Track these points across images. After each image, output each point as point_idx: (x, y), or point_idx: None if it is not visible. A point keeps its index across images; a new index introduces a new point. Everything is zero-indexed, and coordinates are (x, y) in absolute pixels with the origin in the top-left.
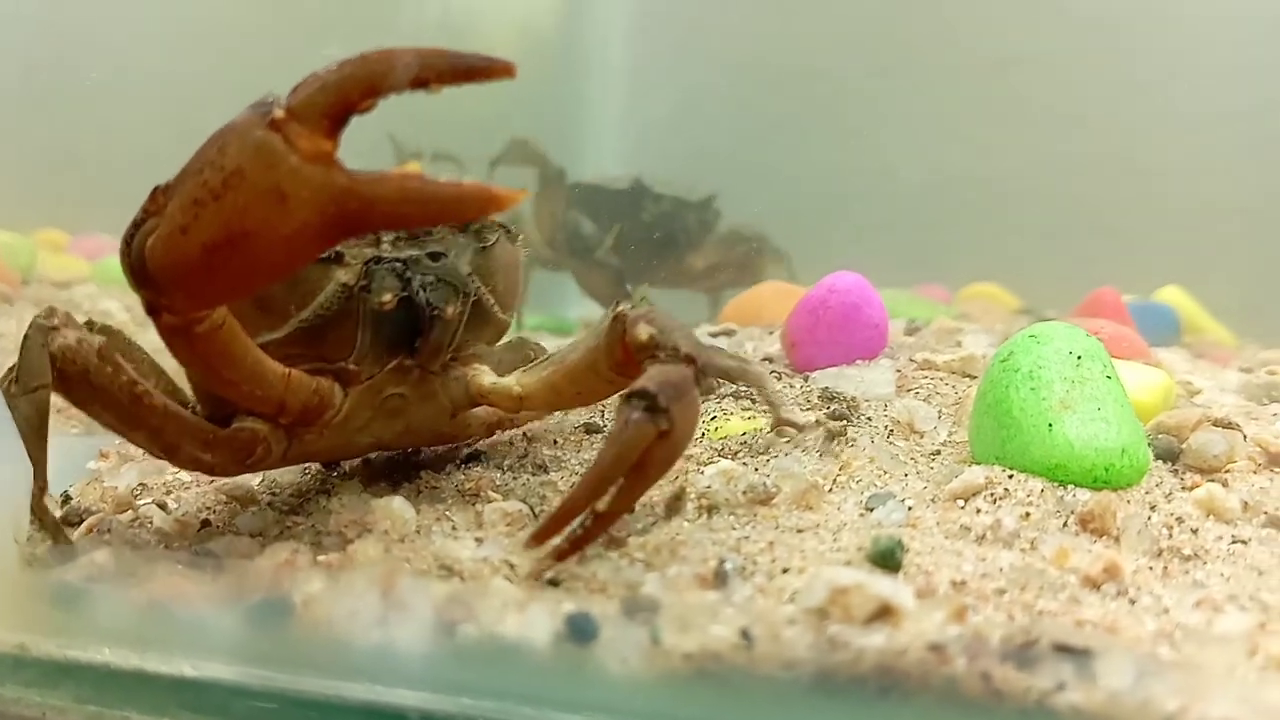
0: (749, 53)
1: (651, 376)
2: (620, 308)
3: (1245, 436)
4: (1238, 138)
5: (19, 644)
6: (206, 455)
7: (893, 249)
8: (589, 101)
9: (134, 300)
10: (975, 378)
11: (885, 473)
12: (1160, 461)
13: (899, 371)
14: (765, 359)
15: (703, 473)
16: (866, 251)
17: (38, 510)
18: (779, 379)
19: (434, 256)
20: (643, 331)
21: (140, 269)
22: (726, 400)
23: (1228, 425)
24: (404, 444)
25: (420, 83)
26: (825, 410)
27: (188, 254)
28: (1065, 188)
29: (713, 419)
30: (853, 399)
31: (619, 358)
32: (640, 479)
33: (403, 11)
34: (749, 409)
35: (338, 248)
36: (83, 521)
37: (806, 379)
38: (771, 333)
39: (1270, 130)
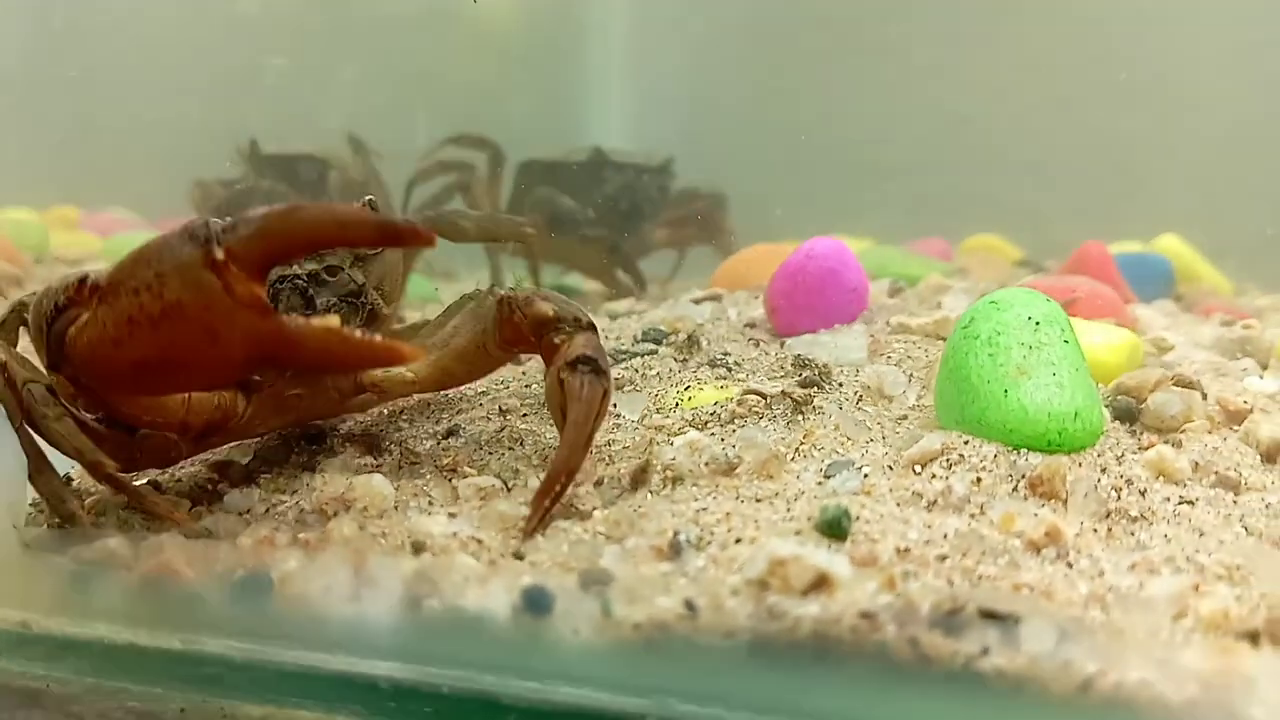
0: (746, 4)
1: (583, 345)
2: (501, 291)
3: (1205, 395)
4: (1245, 73)
5: (21, 621)
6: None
7: (895, 203)
8: (589, 69)
9: None
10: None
11: (849, 440)
12: (1118, 423)
13: (873, 336)
14: (748, 324)
15: (671, 444)
16: (869, 206)
17: (50, 492)
18: (755, 346)
19: (330, 271)
20: (545, 308)
21: (59, 354)
22: (703, 369)
23: (1188, 385)
24: (295, 425)
25: (350, 243)
26: (796, 378)
27: (116, 364)
28: (1068, 131)
29: (686, 389)
30: (825, 366)
31: (508, 336)
32: (590, 435)
33: None
34: (724, 378)
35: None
36: (82, 503)
37: (783, 345)
38: (757, 297)
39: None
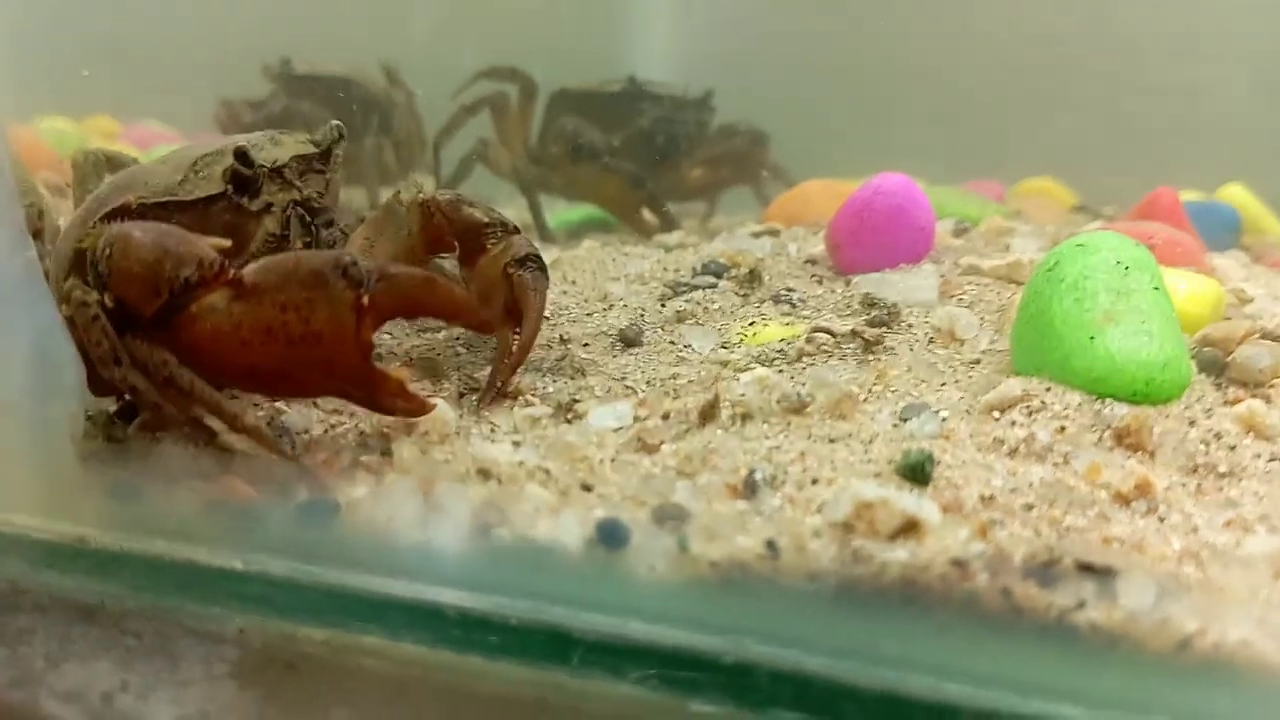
0: None
1: (523, 245)
2: (423, 195)
3: None
4: None
5: (79, 536)
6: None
7: (947, 143)
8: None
9: None
10: (1021, 284)
11: (922, 382)
12: (1204, 375)
13: (943, 277)
14: (809, 260)
15: (738, 380)
16: (920, 145)
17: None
18: (819, 283)
19: (319, 195)
20: (476, 214)
21: (163, 322)
22: (766, 305)
23: (1275, 338)
24: None
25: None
26: (865, 317)
27: (230, 358)
28: (1126, 73)
29: (750, 324)
30: (894, 305)
31: (431, 238)
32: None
33: None
34: (788, 314)
35: (267, 198)
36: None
37: (849, 283)
38: (816, 233)
39: None
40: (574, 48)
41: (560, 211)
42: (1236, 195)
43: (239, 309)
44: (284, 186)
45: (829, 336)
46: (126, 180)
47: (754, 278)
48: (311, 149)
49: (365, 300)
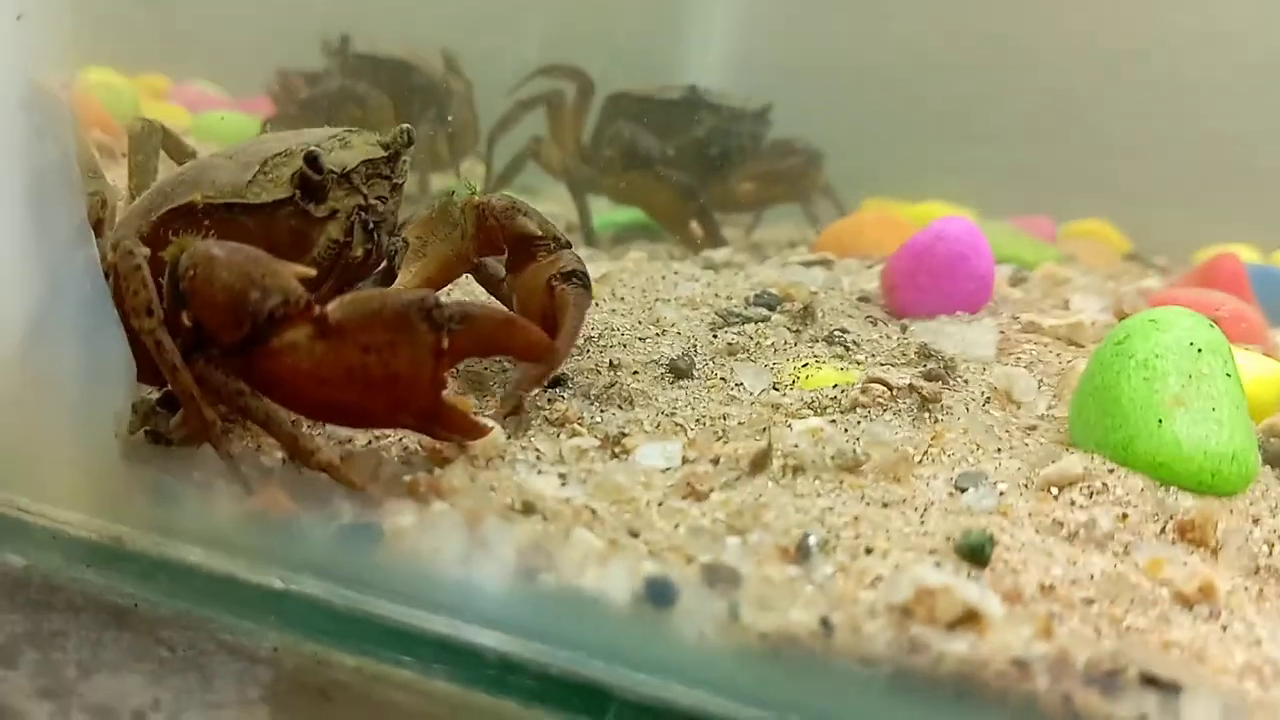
0: None
1: (572, 260)
2: (479, 198)
3: None
4: None
5: (116, 536)
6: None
7: (1000, 173)
8: (698, 10)
9: None
10: (1082, 346)
11: (978, 447)
12: (1269, 468)
13: (1002, 333)
14: (862, 298)
15: (790, 427)
16: (974, 173)
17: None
18: (873, 325)
19: (382, 200)
20: (529, 225)
21: (246, 350)
22: (819, 345)
23: None
24: None
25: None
26: (921, 369)
27: (308, 392)
28: (1188, 116)
29: (804, 365)
30: (950, 359)
31: (483, 242)
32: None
33: None
34: (842, 357)
35: (333, 204)
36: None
37: (905, 329)
38: (869, 266)
39: None
40: (634, 48)
41: (606, 213)
42: None
43: (321, 348)
44: (350, 192)
45: (884, 388)
46: (194, 175)
47: (807, 314)
48: (380, 153)
49: (445, 343)
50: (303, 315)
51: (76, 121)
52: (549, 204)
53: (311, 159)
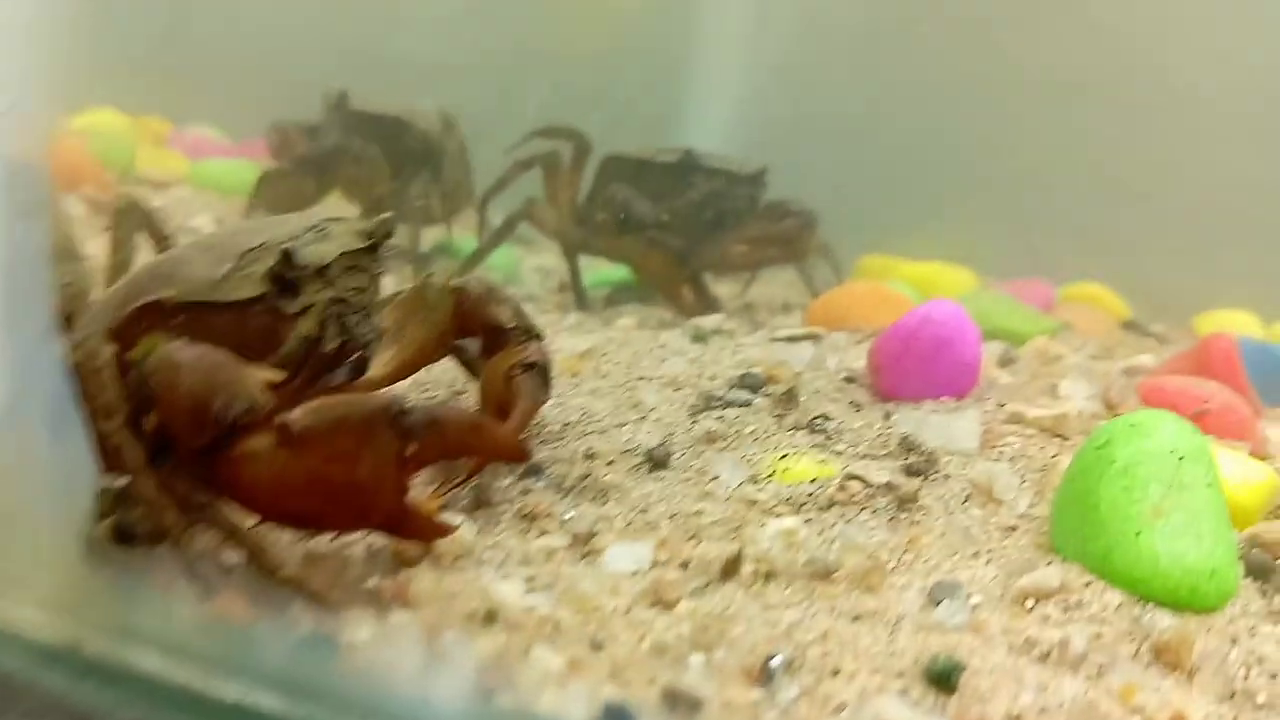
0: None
1: (538, 353)
2: (457, 282)
3: None
4: None
5: (74, 637)
6: None
7: (998, 231)
8: (697, 64)
9: (226, 214)
10: (1067, 439)
11: (955, 552)
12: (1250, 579)
13: (985, 425)
14: (848, 378)
15: (764, 526)
16: (971, 232)
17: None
18: (856, 410)
19: (359, 290)
20: (503, 315)
21: (209, 460)
22: (800, 433)
23: None
24: None
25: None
26: (902, 462)
27: (266, 500)
28: (1194, 175)
29: (783, 457)
30: (932, 452)
31: (459, 325)
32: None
33: None
34: (822, 447)
35: (307, 299)
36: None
37: (888, 416)
38: (858, 342)
39: None
40: (634, 108)
41: (603, 270)
42: None
43: (283, 457)
44: (325, 285)
45: (862, 485)
46: (168, 269)
47: (790, 398)
48: (360, 243)
49: (409, 450)
50: (266, 423)
51: (55, 199)
52: (546, 256)
53: (288, 256)
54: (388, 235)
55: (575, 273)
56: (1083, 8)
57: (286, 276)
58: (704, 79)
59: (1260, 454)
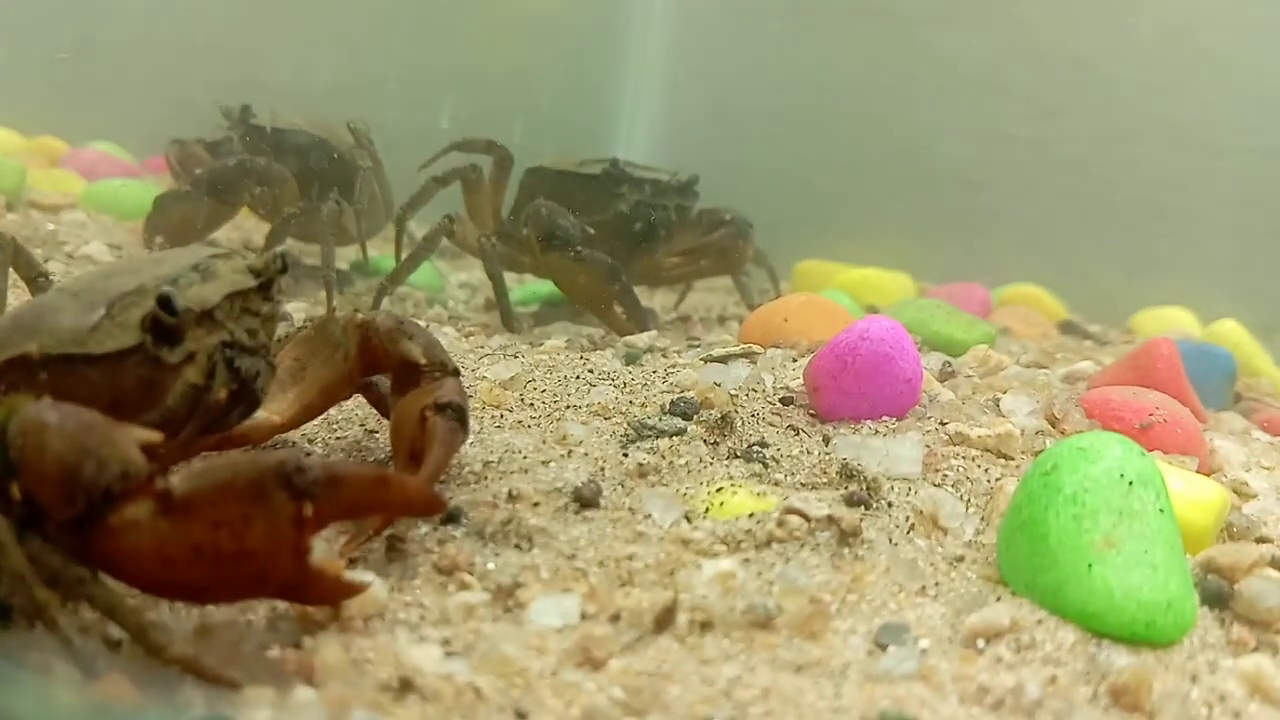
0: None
1: (453, 390)
2: (363, 317)
3: None
4: None
5: None
6: None
7: (934, 233)
8: (624, 71)
9: (123, 239)
10: (1011, 459)
11: (901, 589)
12: (1207, 608)
13: (928, 447)
14: (785, 398)
15: (700, 569)
16: (906, 239)
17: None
18: (796, 434)
19: (251, 333)
20: (413, 351)
21: (85, 535)
22: (736, 462)
23: None
24: None
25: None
26: (843, 491)
27: (149, 573)
28: (1122, 170)
29: (719, 490)
30: (874, 479)
31: (368, 363)
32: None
33: None
34: (759, 477)
35: (191, 345)
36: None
37: (827, 441)
38: (795, 359)
39: None
40: (560, 116)
41: (530, 285)
42: (1229, 333)
43: (164, 526)
44: (212, 329)
45: (802, 520)
46: (32, 320)
47: (725, 424)
48: (249, 282)
49: (307, 512)
50: (144, 490)
51: None
52: (473, 270)
53: (164, 301)
54: (281, 271)
55: (500, 292)
56: (1012, 8)
57: (165, 323)
58: (632, 85)
59: (1208, 467)
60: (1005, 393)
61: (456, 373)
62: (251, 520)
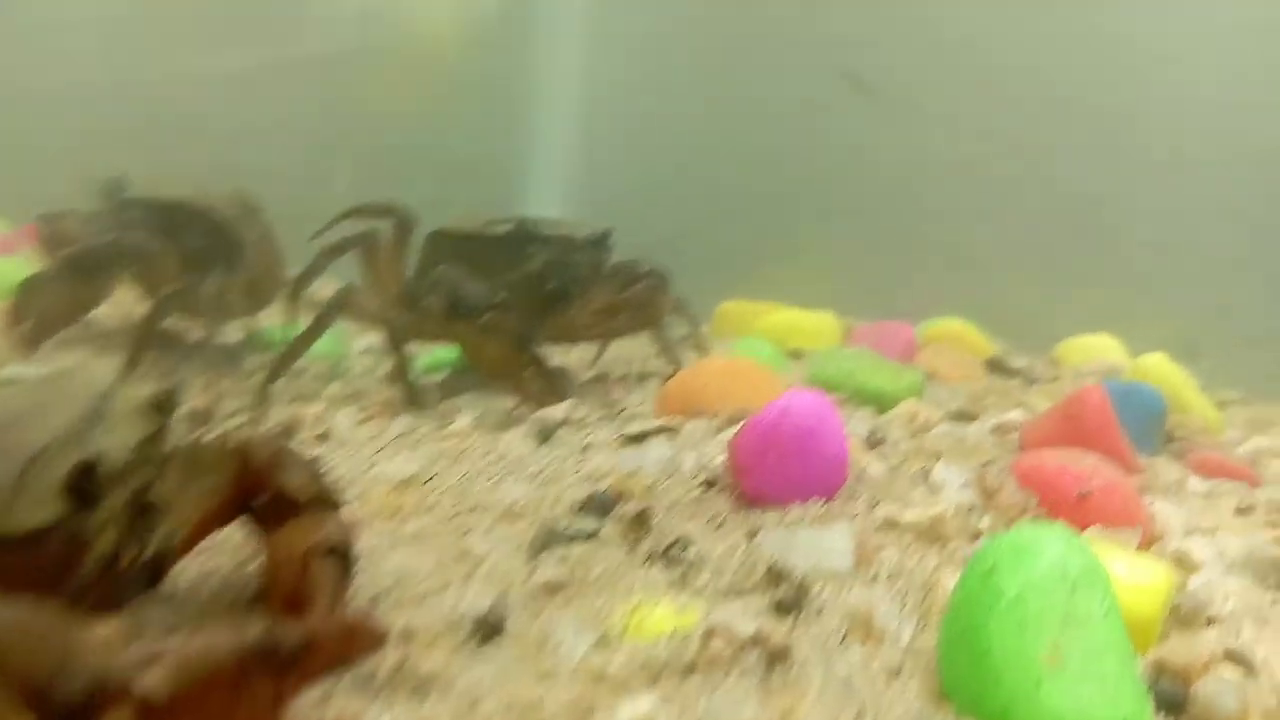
0: (708, 65)
1: (337, 531)
2: (239, 442)
3: (1256, 672)
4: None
5: None
6: None
7: (854, 271)
8: (534, 124)
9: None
10: (948, 543)
11: (837, 718)
12: (1162, 715)
13: (858, 538)
14: (708, 480)
15: (616, 711)
16: (830, 273)
17: None
18: (719, 526)
19: (153, 480)
20: (293, 484)
21: None
22: (655, 567)
23: (1238, 660)
24: None
25: None
26: (770, 596)
27: None
28: (1044, 198)
29: (636, 607)
30: (804, 579)
31: (243, 490)
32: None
33: None
34: (680, 585)
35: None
36: None
37: (753, 536)
38: (717, 432)
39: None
40: (467, 172)
41: (438, 351)
42: (1156, 367)
43: None
44: (120, 484)
45: (727, 641)
46: None
47: (643, 520)
48: (152, 425)
49: (288, 687)
50: (119, 698)
51: None
52: (381, 334)
53: (85, 470)
54: (175, 407)
55: (403, 366)
56: (930, 29)
57: (86, 492)
58: (543, 133)
59: (1150, 536)
60: (937, 460)
61: (338, 506)
62: (234, 711)
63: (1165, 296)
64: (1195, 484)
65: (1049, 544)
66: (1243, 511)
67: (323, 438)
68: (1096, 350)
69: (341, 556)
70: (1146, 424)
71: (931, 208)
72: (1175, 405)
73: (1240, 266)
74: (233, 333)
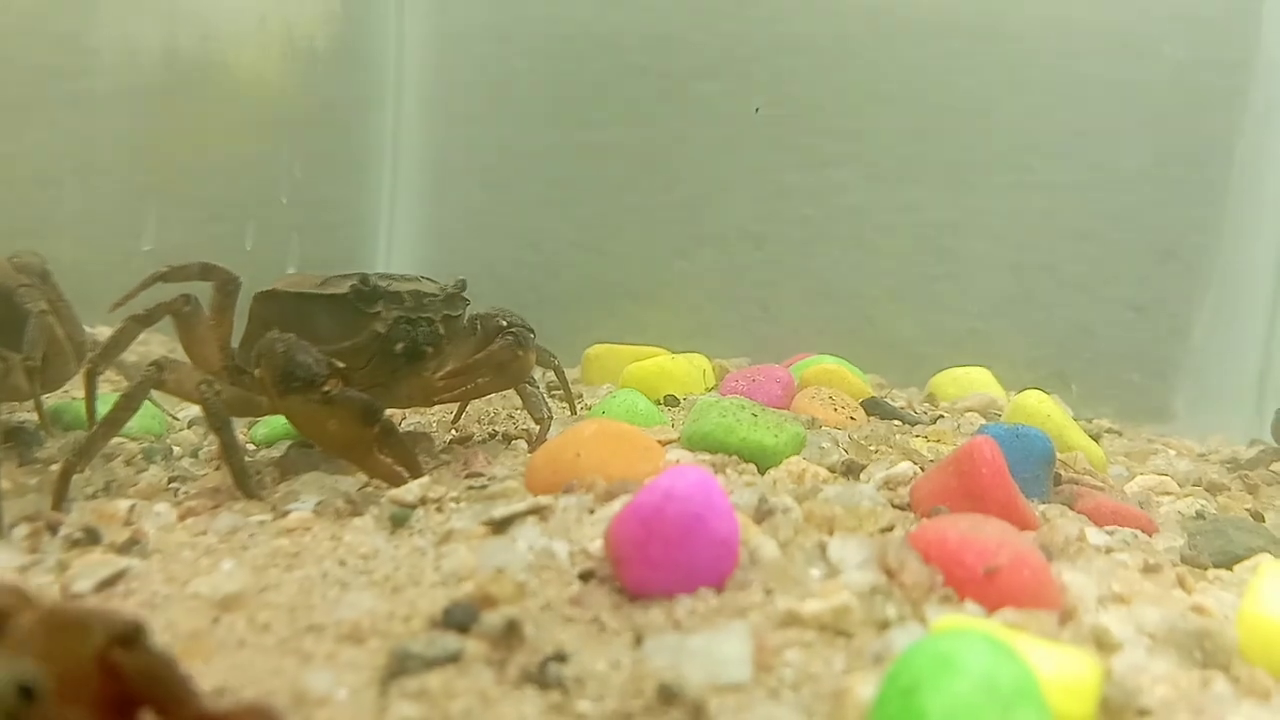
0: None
1: None
2: (101, 646)
3: None
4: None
5: None
6: None
7: (725, 303)
8: (379, 172)
9: None
10: (852, 636)
11: None
12: None
13: (757, 640)
14: (585, 573)
15: None
16: (698, 309)
17: None
18: (600, 633)
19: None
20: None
21: None
22: (528, 690)
23: None
24: None
25: None
26: (663, 718)
27: None
28: (906, 219)
29: None
30: (699, 699)
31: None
32: None
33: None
34: (558, 709)
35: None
36: None
37: (639, 643)
38: (593, 510)
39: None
40: (309, 222)
41: (274, 421)
42: (1038, 406)
43: None
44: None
45: None
46: None
47: (513, 631)
48: None
49: None
50: None
51: None
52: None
53: None
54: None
55: (230, 449)
56: (776, 58)
57: None
58: (389, 181)
59: (1066, 614)
60: (831, 534)
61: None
62: None
63: (1023, 315)
64: (1095, 536)
65: (973, 654)
66: (1150, 570)
67: (130, 545)
68: (970, 383)
69: None
70: (1035, 469)
71: (794, 235)
72: (1060, 444)
73: (1097, 285)
74: (24, 415)
